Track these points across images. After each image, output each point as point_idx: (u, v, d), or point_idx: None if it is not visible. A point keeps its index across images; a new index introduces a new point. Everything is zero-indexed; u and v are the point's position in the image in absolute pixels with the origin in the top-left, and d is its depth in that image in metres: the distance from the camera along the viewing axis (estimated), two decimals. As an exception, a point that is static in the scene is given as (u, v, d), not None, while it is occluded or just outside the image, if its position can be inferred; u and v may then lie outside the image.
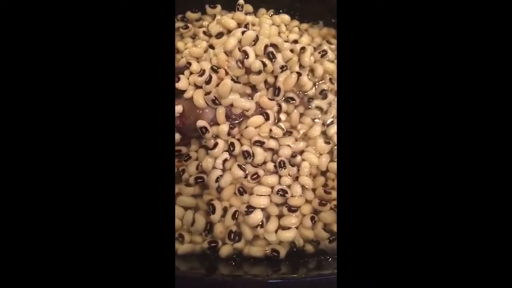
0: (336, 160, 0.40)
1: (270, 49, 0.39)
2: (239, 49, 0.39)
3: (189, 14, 0.49)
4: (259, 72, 0.39)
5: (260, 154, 0.38)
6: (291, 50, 0.42)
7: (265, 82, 0.41)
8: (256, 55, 0.39)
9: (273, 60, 0.39)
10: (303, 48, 0.43)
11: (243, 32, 0.40)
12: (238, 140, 0.39)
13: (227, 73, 0.39)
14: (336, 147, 0.41)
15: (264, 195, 0.37)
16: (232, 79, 0.39)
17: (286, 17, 0.49)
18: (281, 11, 0.51)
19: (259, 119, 0.40)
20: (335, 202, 0.38)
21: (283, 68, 0.40)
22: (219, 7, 0.48)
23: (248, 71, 0.39)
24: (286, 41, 0.45)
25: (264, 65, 0.39)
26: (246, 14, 0.48)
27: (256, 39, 0.40)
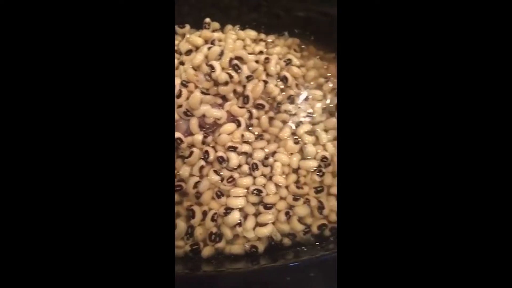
0: (307, 158, 0.43)
1: (235, 61, 0.43)
2: (206, 64, 0.42)
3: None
4: (226, 83, 0.42)
5: (234, 158, 0.41)
6: (257, 61, 0.46)
7: (235, 91, 0.44)
8: (222, 68, 0.42)
9: (239, 71, 0.43)
10: (267, 59, 0.46)
11: (209, 48, 0.44)
12: (213, 147, 0.42)
13: (196, 86, 0.42)
14: (305, 145, 0.43)
15: (240, 196, 0.40)
16: (202, 92, 0.42)
17: (251, 32, 0.53)
18: (247, 26, 0.55)
19: (231, 126, 0.43)
20: (307, 196, 0.41)
21: (249, 78, 0.43)
22: (187, 26, 0.52)
23: (216, 83, 0.42)
24: (252, 53, 0.48)
25: (231, 76, 0.42)
26: (213, 31, 0.52)
27: (221, 54, 0.43)
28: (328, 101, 0.48)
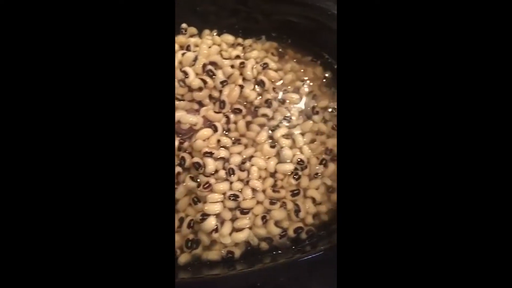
0: (284, 161, 0.43)
1: (209, 67, 0.43)
2: (180, 70, 0.42)
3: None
4: (200, 89, 0.42)
5: (210, 164, 0.41)
6: (232, 66, 0.46)
7: (210, 97, 0.44)
8: (196, 74, 0.42)
9: (213, 76, 0.43)
10: (242, 63, 0.46)
11: (183, 54, 0.44)
12: (190, 153, 0.42)
13: (170, 93, 0.42)
14: (282, 148, 0.44)
15: (217, 202, 0.40)
16: (177, 98, 0.42)
17: (228, 37, 0.53)
18: (224, 30, 0.55)
19: (207, 131, 0.43)
20: (284, 200, 0.41)
21: (223, 83, 0.43)
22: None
23: (191, 89, 0.42)
24: (228, 58, 0.48)
25: (204, 82, 0.42)
26: (191, 36, 0.52)
27: (195, 59, 0.43)
28: (304, 104, 0.48)
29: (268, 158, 0.43)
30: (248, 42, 0.54)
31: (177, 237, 0.38)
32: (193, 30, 0.52)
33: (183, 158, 0.41)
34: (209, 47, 0.48)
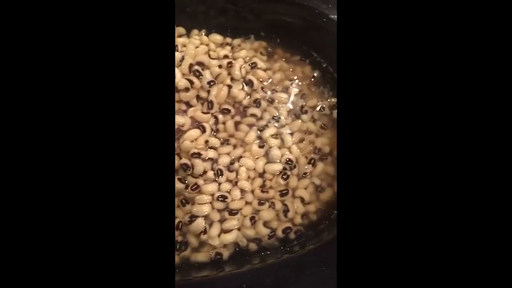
0: (273, 161, 0.43)
1: (196, 67, 0.42)
2: (167, 71, 0.42)
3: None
4: (186, 90, 0.41)
5: (198, 165, 0.41)
6: (220, 66, 0.46)
7: (198, 97, 0.44)
8: (183, 74, 0.42)
9: (200, 77, 0.42)
10: (230, 63, 0.46)
11: (170, 55, 0.43)
12: (177, 154, 0.42)
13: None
14: (271, 148, 0.43)
15: (205, 203, 0.39)
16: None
17: (216, 36, 0.52)
18: (213, 30, 0.55)
19: (195, 132, 0.42)
20: (272, 200, 0.41)
21: (211, 83, 0.43)
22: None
23: (178, 89, 0.42)
24: (216, 58, 0.48)
25: (191, 82, 0.42)
26: (179, 36, 0.51)
27: (182, 59, 0.43)
28: (293, 104, 0.48)
29: (257, 158, 0.43)
30: (236, 41, 0.54)
31: (165, 239, 0.38)
32: (181, 30, 0.52)
33: (170, 160, 0.41)
34: (196, 47, 0.47)
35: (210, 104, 0.44)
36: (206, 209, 0.39)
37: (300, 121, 0.46)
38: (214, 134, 0.44)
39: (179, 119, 0.42)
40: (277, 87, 0.50)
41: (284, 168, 0.42)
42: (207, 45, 0.50)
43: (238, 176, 0.41)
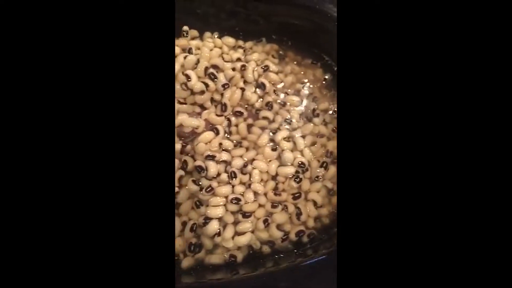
0: (285, 164, 0.43)
1: (211, 70, 0.43)
2: (183, 73, 0.42)
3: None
4: (202, 92, 0.42)
5: (212, 167, 0.41)
6: (233, 69, 0.46)
7: (212, 100, 0.45)
8: (198, 77, 0.42)
9: (215, 80, 0.43)
10: (243, 66, 0.46)
11: (185, 57, 0.44)
12: (192, 156, 0.42)
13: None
14: (283, 151, 0.44)
15: (219, 205, 0.40)
16: (179, 101, 0.42)
17: (229, 39, 0.53)
18: (225, 33, 0.55)
19: (209, 134, 0.43)
20: (285, 203, 0.41)
21: (225, 86, 0.44)
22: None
23: (193, 92, 0.42)
24: (230, 61, 0.48)
25: (206, 85, 0.42)
26: (193, 39, 0.52)
27: (197, 62, 0.43)
28: (304, 107, 0.48)
29: (270, 161, 0.43)
30: (249, 44, 0.54)
31: (180, 241, 0.39)
32: (194, 32, 0.52)
33: (185, 162, 0.41)
34: (211, 50, 0.48)
35: (224, 106, 0.44)
36: (220, 211, 0.39)
37: (312, 124, 0.47)
38: (227, 136, 0.45)
39: (193, 122, 0.42)
40: (289, 90, 0.50)
41: (297, 171, 0.42)
42: (220, 48, 0.50)
43: (251, 179, 0.42)
